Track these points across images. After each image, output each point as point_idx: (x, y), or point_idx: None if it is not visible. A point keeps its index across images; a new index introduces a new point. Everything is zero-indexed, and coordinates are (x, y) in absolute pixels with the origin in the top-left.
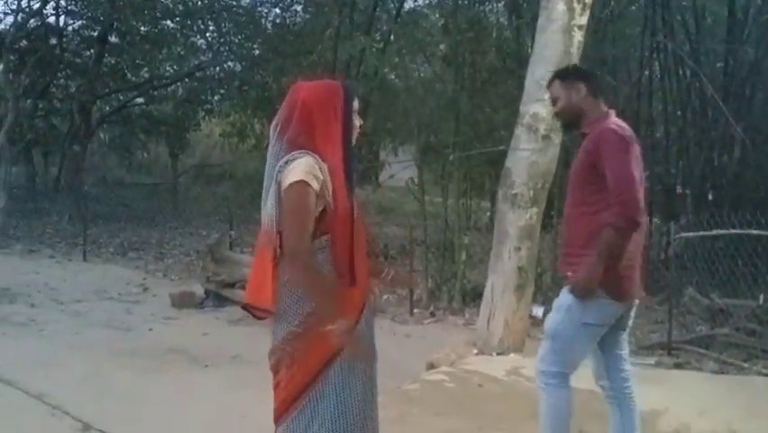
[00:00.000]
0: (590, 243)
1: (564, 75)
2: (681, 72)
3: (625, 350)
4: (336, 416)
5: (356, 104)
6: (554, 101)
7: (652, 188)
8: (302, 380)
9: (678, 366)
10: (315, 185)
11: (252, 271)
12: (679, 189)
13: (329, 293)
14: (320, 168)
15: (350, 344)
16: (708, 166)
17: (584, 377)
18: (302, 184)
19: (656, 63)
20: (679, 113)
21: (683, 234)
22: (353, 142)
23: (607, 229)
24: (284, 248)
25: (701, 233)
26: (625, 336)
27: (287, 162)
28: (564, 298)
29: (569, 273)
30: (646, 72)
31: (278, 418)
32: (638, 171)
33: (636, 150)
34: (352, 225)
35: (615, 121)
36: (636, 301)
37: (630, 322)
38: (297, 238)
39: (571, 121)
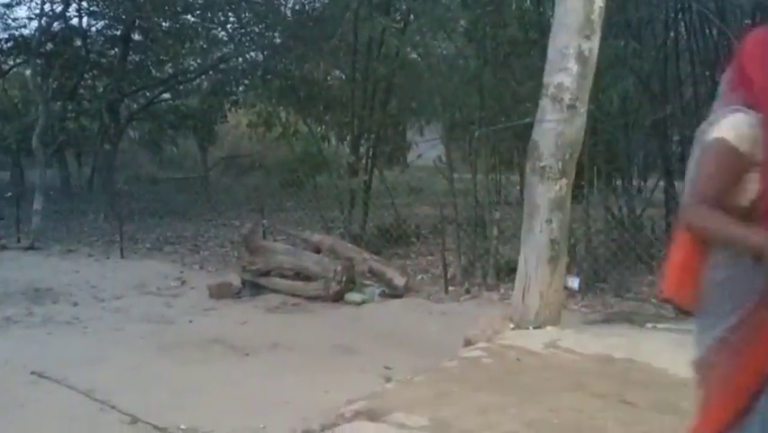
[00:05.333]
0: None
1: None
2: (707, 32)
3: None
4: None
5: None
6: None
7: (683, 153)
8: (730, 405)
9: None
10: (742, 145)
11: (670, 258)
12: None
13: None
14: (754, 126)
15: None
16: None
17: (621, 346)
18: (720, 141)
19: (682, 24)
20: (707, 73)
21: None
22: None
23: None
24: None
25: None
26: None
27: (711, 123)
28: None
29: None
30: (672, 34)
31: None
32: None
33: None
34: None
35: None
36: None
37: None
38: (696, 196)
39: None
